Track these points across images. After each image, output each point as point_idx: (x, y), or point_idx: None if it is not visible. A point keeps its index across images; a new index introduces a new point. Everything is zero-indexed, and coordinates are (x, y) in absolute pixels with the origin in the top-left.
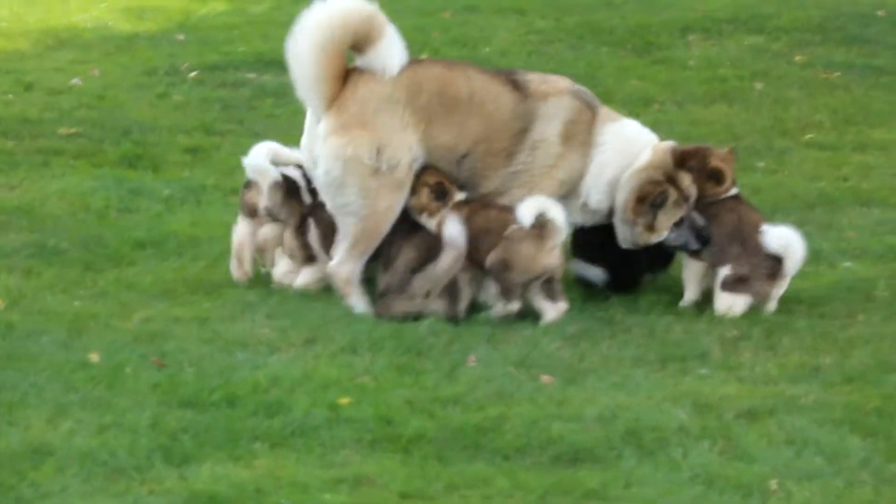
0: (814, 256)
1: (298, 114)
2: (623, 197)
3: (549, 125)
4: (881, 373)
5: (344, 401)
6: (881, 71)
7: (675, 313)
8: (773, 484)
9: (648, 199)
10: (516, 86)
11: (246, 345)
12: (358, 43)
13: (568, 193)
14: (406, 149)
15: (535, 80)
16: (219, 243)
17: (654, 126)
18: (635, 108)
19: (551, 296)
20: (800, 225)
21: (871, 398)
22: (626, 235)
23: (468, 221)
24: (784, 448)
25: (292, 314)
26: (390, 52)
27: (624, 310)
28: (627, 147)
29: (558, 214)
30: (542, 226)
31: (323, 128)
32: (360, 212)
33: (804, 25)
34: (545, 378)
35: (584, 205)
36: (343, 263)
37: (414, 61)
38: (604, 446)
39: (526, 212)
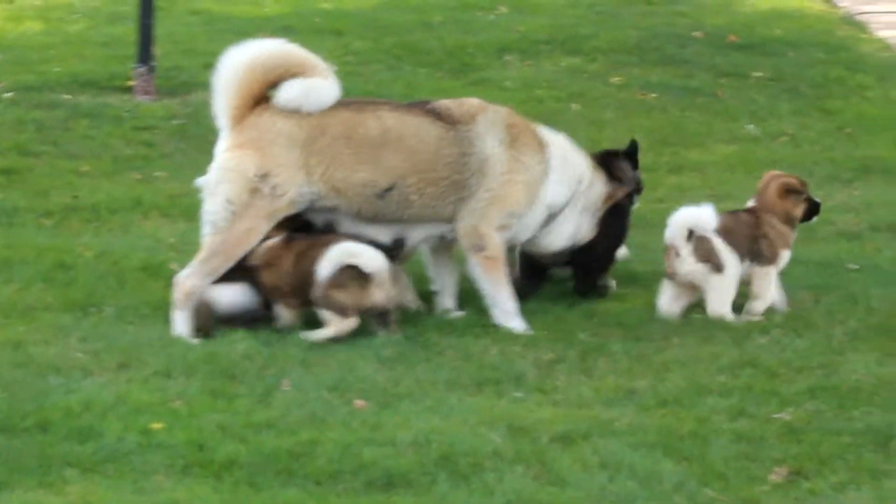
0: (629, 278)
1: (113, 136)
2: (599, 191)
3: (488, 140)
4: (696, 396)
5: (156, 426)
6: (697, 92)
7: (491, 336)
8: None
9: (611, 201)
10: (438, 116)
11: (59, 369)
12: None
13: (533, 199)
14: (296, 186)
15: (453, 105)
16: (32, 265)
17: None
18: None
19: (384, 325)
20: None
21: (685, 421)
22: (581, 228)
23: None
24: (598, 472)
25: (106, 338)
26: (295, 87)
27: (439, 332)
28: (569, 150)
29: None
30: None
31: (221, 145)
32: (220, 223)
33: (621, 46)
34: (359, 402)
35: (550, 203)
36: (190, 276)
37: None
38: (417, 471)
39: (325, 264)
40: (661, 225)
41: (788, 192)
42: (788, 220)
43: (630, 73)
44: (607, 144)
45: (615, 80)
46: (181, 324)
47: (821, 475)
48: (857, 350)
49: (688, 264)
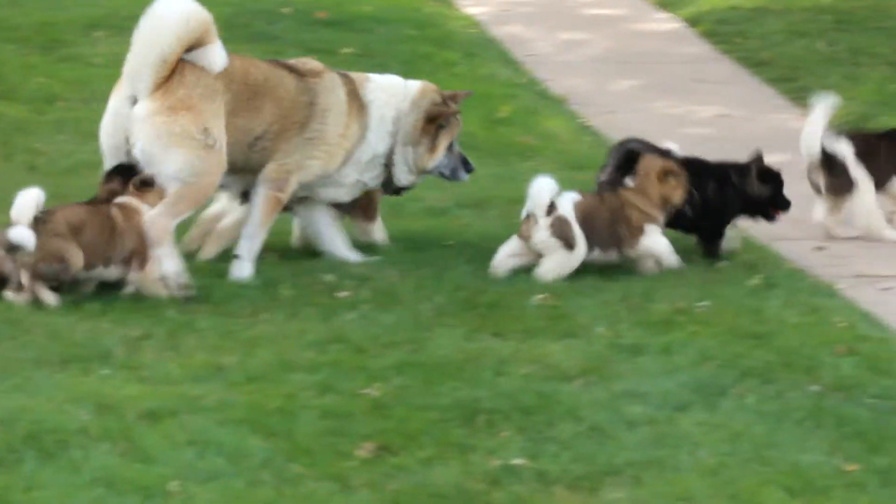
0: (222, 257)
1: None
2: (411, 120)
3: (333, 96)
4: (283, 372)
5: None
6: None
7: (79, 313)
8: (174, 485)
9: (438, 119)
10: (291, 69)
11: None
12: (193, 44)
13: (348, 162)
14: (223, 133)
15: (298, 63)
16: None
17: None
18: (40, 105)
19: None
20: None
21: (273, 398)
22: (409, 161)
23: None
24: (186, 449)
25: None
26: (218, 52)
27: (26, 309)
28: (392, 92)
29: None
30: None
31: (144, 109)
32: (188, 179)
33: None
34: None
35: (371, 159)
36: (161, 215)
37: None
38: (4, 449)
39: None
40: None
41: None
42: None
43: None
44: None
45: None
46: (169, 261)
47: (408, 450)
48: (444, 325)
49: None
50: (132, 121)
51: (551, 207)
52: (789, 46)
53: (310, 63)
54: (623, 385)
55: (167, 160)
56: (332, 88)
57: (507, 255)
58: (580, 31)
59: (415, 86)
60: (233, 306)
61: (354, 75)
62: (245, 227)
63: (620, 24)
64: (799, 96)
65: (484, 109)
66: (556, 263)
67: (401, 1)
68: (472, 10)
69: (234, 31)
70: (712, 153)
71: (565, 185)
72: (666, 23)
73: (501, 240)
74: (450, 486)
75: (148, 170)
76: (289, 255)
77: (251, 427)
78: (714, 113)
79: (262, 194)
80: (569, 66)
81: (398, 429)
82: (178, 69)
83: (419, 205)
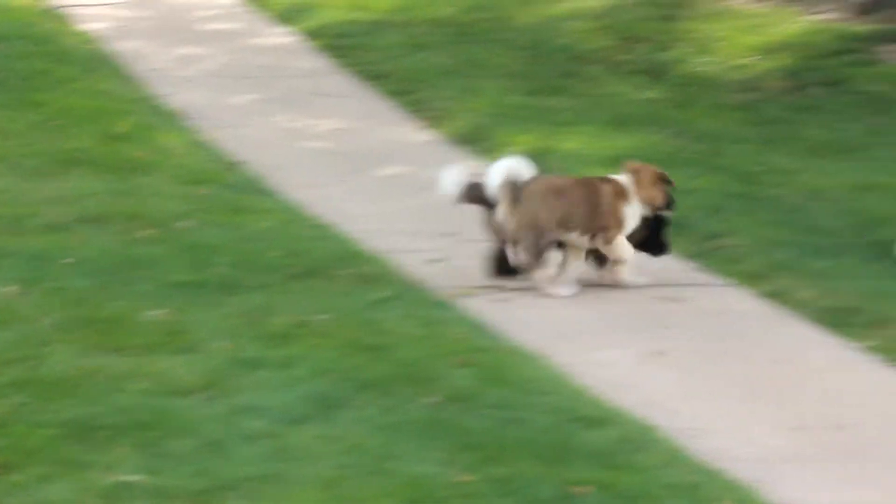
0: None
1: None
2: None
3: None
4: None
5: None
6: None
7: None
8: None
9: None
10: None
11: None
12: None
13: None
14: None
15: None
16: None
17: None
18: None
19: None
20: None
21: None
22: None
23: None
24: None
25: None
26: None
27: None
28: None
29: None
30: None
31: None
32: None
33: None
34: None
35: None
36: None
37: None
38: None
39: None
40: None
41: None
42: None
43: None
44: None
45: None
46: None
47: (25, 468)
48: (62, 342)
49: None
50: None
51: None
52: (408, 59)
53: None
54: (242, 399)
55: None
56: None
57: None
58: (198, 45)
59: None
60: None
61: None
62: None
63: (238, 39)
64: (416, 109)
65: (101, 125)
66: None
67: (16, 16)
68: (89, 26)
69: None
70: (329, 166)
71: (184, 200)
72: (284, 37)
73: (121, 256)
74: (65, 503)
75: None
76: None
77: None
78: (332, 126)
79: None
80: (187, 81)
81: (16, 446)
82: None
83: (39, 220)
